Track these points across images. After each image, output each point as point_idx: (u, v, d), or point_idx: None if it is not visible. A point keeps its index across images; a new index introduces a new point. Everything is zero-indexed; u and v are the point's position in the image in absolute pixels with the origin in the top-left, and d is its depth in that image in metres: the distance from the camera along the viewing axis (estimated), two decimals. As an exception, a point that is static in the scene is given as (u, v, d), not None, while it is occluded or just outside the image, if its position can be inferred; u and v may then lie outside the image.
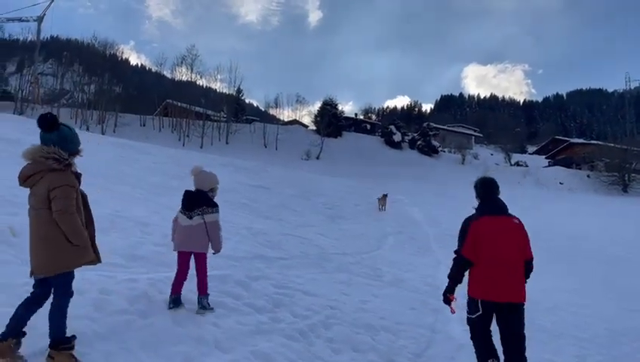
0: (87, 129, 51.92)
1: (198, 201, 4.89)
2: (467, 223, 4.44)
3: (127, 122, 59.43)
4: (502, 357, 4.13)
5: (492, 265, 4.03)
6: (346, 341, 5.06)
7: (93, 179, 11.14)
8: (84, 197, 3.54)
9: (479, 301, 4.11)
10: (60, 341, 3.28)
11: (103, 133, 48.71)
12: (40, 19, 70.61)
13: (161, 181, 13.80)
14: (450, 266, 4.40)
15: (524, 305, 4.12)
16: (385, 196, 21.87)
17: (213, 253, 5.02)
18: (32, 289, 3.38)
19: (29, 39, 75.70)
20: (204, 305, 4.77)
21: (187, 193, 5.01)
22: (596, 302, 10.18)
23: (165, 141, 48.92)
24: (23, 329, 3.25)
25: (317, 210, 17.06)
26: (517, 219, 4.26)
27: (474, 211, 4.46)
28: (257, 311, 5.19)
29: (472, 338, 4.32)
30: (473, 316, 4.20)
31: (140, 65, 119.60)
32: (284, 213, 14.58)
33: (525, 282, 4.20)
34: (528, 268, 4.23)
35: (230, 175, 20.47)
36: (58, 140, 3.30)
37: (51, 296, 3.37)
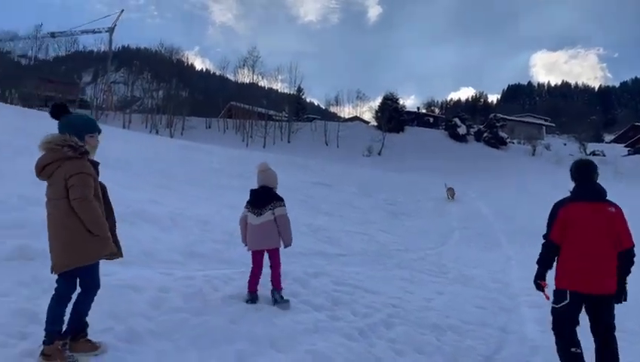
0: (157, 132, 54.41)
1: (267, 197, 4.97)
2: (556, 208, 4.22)
3: (193, 125, 61.55)
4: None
5: (580, 254, 3.87)
6: (410, 342, 4.76)
7: (158, 179, 11.52)
8: (102, 188, 3.40)
9: (567, 291, 3.93)
10: (80, 329, 3.23)
11: (171, 137, 50.82)
12: (111, 30, 74.79)
13: (223, 181, 14.03)
14: (539, 252, 4.27)
15: (613, 296, 3.91)
16: (451, 188, 21.63)
17: (285, 247, 5.04)
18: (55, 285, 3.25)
19: (102, 50, 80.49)
20: (276, 299, 4.84)
21: (254, 191, 5.07)
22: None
23: (229, 142, 50.22)
24: (65, 328, 3.18)
25: (378, 206, 16.73)
26: (614, 206, 3.98)
27: (569, 194, 4.21)
28: (315, 309, 5.01)
29: (553, 328, 4.12)
30: (558, 306, 4.01)
31: (204, 69, 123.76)
32: (345, 209, 14.38)
33: (627, 273, 3.96)
34: (627, 259, 3.93)
35: (290, 173, 20.54)
36: (67, 128, 3.21)
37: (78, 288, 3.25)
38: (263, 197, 4.97)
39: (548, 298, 4.22)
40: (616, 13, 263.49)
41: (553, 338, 5.76)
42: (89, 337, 3.29)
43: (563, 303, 3.95)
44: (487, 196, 23.63)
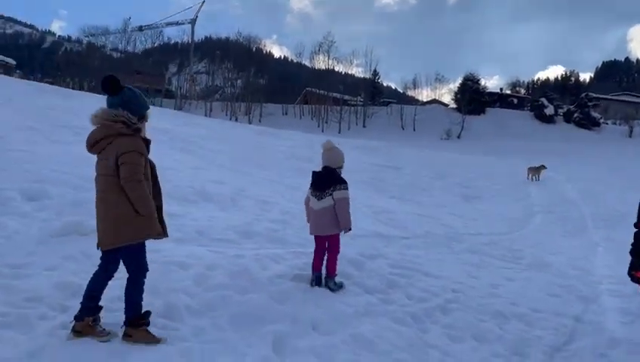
0: (236, 120, 56.13)
1: (329, 179, 4.75)
2: None
3: (270, 112, 62.87)
4: None
5: None
6: (468, 328, 4.43)
7: (226, 162, 11.78)
8: (152, 166, 3.32)
9: None
10: (136, 317, 3.14)
11: (249, 123, 52.22)
12: (193, 22, 77.87)
13: (291, 163, 14.10)
14: (632, 242, 4.04)
15: None
16: (541, 167, 20.36)
17: (344, 233, 4.84)
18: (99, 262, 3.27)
19: (186, 41, 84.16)
20: (330, 287, 4.67)
21: (316, 174, 4.90)
22: None
23: (305, 127, 50.67)
24: (99, 305, 3.18)
25: (451, 189, 16.04)
26: None
27: None
28: (367, 292, 4.80)
29: None
30: None
31: (282, 57, 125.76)
32: (413, 192, 13.93)
33: None
34: None
35: (360, 155, 20.29)
36: (121, 103, 3.12)
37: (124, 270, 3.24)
38: (325, 180, 4.77)
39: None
40: None
41: (636, 331, 5.17)
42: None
43: None
44: (575, 179, 21.88)
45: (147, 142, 3.26)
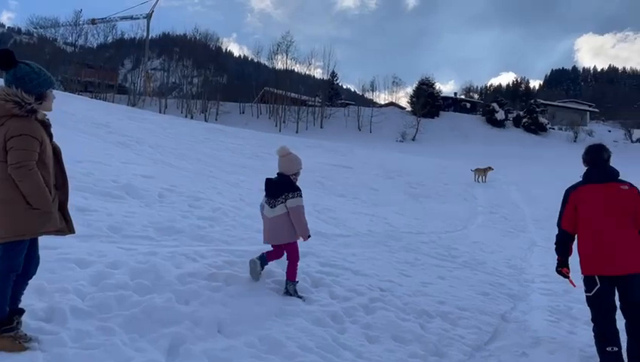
0: (192, 117, 54.91)
1: (282, 187, 4.62)
2: (567, 193, 4.17)
3: (227, 110, 62.03)
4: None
5: (596, 236, 3.84)
6: (388, 328, 4.27)
7: (164, 157, 11.31)
8: (56, 152, 2.93)
9: (595, 276, 3.85)
10: None
11: (205, 121, 51.19)
12: (149, 17, 75.73)
13: (236, 160, 13.75)
14: (555, 241, 4.28)
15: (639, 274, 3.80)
16: (488, 169, 20.86)
17: (303, 240, 4.75)
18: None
19: (142, 37, 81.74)
20: (289, 291, 4.52)
21: (269, 181, 4.76)
22: None
23: (262, 127, 50.23)
24: (15, 307, 2.81)
25: (400, 189, 16.08)
26: (628, 184, 3.94)
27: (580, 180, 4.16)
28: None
29: (592, 319, 3.99)
30: (591, 294, 3.92)
31: (242, 56, 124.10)
32: (362, 191, 13.84)
33: None
34: None
35: (314, 156, 20.12)
36: (14, 80, 2.74)
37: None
38: (278, 187, 4.64)
39: (574, 285, 4.21)
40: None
41: (560, 330, 5.17)
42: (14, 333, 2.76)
43: (595, 289, 3.86)
44: (520, 181, 22.53)
45: (47, 125, 2.88)
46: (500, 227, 12.72)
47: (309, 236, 4.72)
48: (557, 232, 4.23)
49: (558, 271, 4.25)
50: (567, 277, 4.22)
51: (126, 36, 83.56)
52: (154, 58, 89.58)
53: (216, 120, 56.22)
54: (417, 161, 25.60)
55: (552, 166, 33.01)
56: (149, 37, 77.93)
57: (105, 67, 67.21)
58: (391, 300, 4.98)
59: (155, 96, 65.63)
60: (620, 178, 3.98)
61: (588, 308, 6.14)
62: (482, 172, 21.29)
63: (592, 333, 3.98)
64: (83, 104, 19.89)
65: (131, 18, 77.94)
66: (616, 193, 3.88)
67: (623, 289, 3.84)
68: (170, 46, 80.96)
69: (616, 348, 3.76)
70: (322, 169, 15.88)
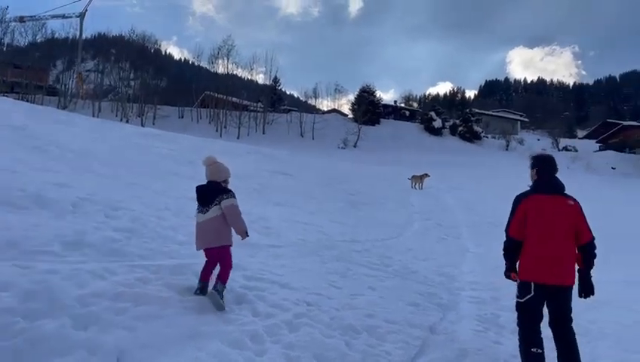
0: (127, 121, 52.78)
1: (213, 193, 4.63)
2: (517, 200, 4.17)
3: (166, 114, 60.24)
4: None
5: (541, 246, 3.90)
6: (311, 347, 4.04)
7: (86, 163, 10.57)
8: None
9: (531, 283, 3.91)
10: None
11: (142, 125, 49.28)
12: (82, 16, 72.26)
13: (167, 167, 13.13)
14: (503, 247, 4.25)
15: (572, 287, 3.96)
16: (424, 175, 21.23)
17: (241, 239, 4.74)
18: None
19: (74, 37, 77.84)
20: (217, 289, 4.44)
21: (200, 188, 4.73)
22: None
23: (203, 132, 49.06)
24: None
25: (337, 196, 15.99)
26: (573, 199, 4.04)
27: (528, 188, 4.21)
28: (204, 310, 4.24)
29: (518, 324, 4.06)
30: (522, 299, 3.98)
31: (183, 59, 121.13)
32: (298, 199, 13.61)
33: (591, 267, 4.02)
34: (589, 252, 4.00)
35: (253, 162, 19.72)
36: None
37: None
38: (209, 193, 4.63)
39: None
40: (593, 11, 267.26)
41: (487, 340, 5.15)
42: None
43: (528, 296, 3.92)
44: (456, 188, 23.16)
45: None
46: (435, 233, 12.88)
47: (247, 235, 4.69)
48: (505, 239, 4.22)
49: (507, 276, 4.26)
50: (515, 280, 4.20)
51: (57, 35, 79.28)
52: (88, 59, 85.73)
53: (153, 124, 54.30)
54: (357, 168, 25.76)
55: (486, 173, 34.32)
56: (83, 37, 74.47)
57: (33, 67, 63.40)
58: (317, 315, 4.77)
59: (89, 99, 62.61)
60: (565, 192, 4.07)
61: (514, 315, 6.26)
62: (419, 179, 21.70)
63: (518, 338, 4.02)
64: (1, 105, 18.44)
65: (63, 17, 73.96)
66: (564, 206, 3.96)
67: (555, 300, 3.93)
68: (106, 47, 77.72)
69: (540, 350, 3.84)
70: (260, 176, 15.52)
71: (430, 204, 17.98)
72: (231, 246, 4.67)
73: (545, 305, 3.99)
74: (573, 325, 4.00)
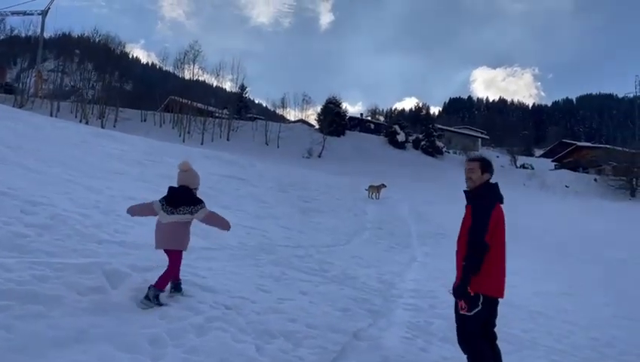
0: (87, 123, 51.22)
1: (185, 199, 4.80)
2: (488, 208, 3.75)
3: (128, 117, 58.93)
4: None
5: (501, 257, 3.77)
6: (216, 351, 3.76)
7: (19, 159, 10.02)
8: None
9: (482, 296, 3.68)
10: None
11: (102, 127, 47.89)
12: (44, 13, 70.31)
13: (111, 166, 12.61)
14: (470, 255, 3.68)
15: None
16: (381, 186, 21.26)
17: (228, 231, 5.13)
18: None
19: (37, 35, 75.43)
20: (148, 296, 4.36)
21: (172, 189, 4.89)
22: (586, 308, 8.85)
23: (165, 137, 48.10)
24: None
25: (290, 202, 15.76)
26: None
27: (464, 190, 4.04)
28: (101, 312, 3.90)
29: (464, 341, 3.78)
30: (472, 313, 3.69)
31: (150, 63, 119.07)
32: (248, 204, 13.31)
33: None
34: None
35: (208, 167, 19.28)
36: None
37: None
38: (180, 198, 4.79)
39: (464, 307, 3.76)
40: (553, 36, 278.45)
41: (412, 347, 4.98)
42: None
43: (476, 309, 3.69)
44: (412, 199, 23.29)
45: None
46: (385, 242, 12.79)
47: (229, 225, 5.02)
48: (481, 248, 3.62)
49: (464, 294, 3.66)
50: (467, 301, 3.70)
51: (17, 32, 76.66)
52: (52, 59, 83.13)
53: (114, 127, 52.88)
54: (315, 175, 25.60)
55: (445, 186, 34.74)
56: (46, 36, 72.35)
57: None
58: (233, 319, 4.49)
59: (47, 99, 60.56)
60: None
61: (446, 322, 6.14)
62: (375, 189, 21.73)
63: (468, 353, 3.76)
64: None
65: (24, 14, 71.98)
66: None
67: (494, 313, 3.88)
68: (70, 47, 75.59)
69: None
70: (211, 179, 15.11)
71: (385, 213, 17.96)
72: (183, 251, 4.83)
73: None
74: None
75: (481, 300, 3.67)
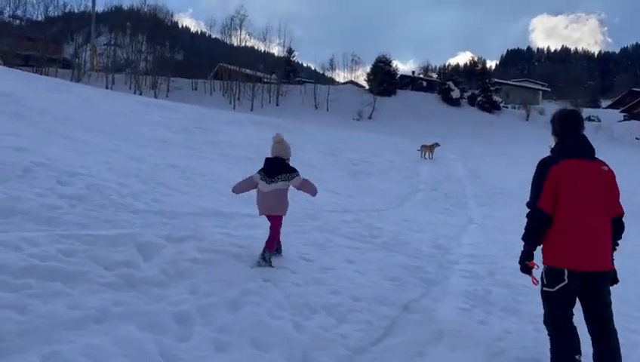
0: (141, 94, 52.47)
1: (281, 168, 5.25)
2: (544, 167, 3.28)
3: (179, 86, 59.89)
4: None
5: (578, 223, 3.11)
6: (249, 330, 3.42)
7: (66, 130, 10.06)
8: None
9: (565, 271, 3.09)
10: None
11: (155, 97, 48.92)
12: (95, -13, 71.60)
13: (157, 134, 12.55)
14: (525, 225, 3.32)
15: (610, 274, 3.19)
16: (435, 145, 20.46)
17: (313, 196, 5.58)
18: None
19: (88, 9, 77.21)
20: (264, 258, 4.90)
21: (268, 160, 5.33)
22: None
23: (216, 104, 48.54)
24: None
25: (339, 166, 15.29)
26: (606, 165, 3.28)
27: (549, 153, 3.42)
28: (127, 288, 3.63)
29: (546, 322, 3.26)
30: (553, 289, 3.14)
31: (200, 32, 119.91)
32: (297, 168, 12.92)
33: (617, 244, 3.31)
34: (619, 226, 3.28)
35: (255, 132, 19.07)
36: None
37: None
38: (277, 168, 5.25)
39: (536, 282, 3.32)
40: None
41: (470, 320, 4.47)
42: None
43: (560, 285, 3.11)
44: (469, 158, 22.19)
45: None
46: (439, 204, 12.16)
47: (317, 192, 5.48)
48: (530, 213, 3.31)
49: (523, 266, 3.33)
50: (531, 273, 3.32)
51: (70, 9, 78.79)
52: (106, 33, 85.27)
53: (167, 96, 53.89)
54: (366, 138, 24.90)
55: (503, 144, 33.14)
56: (99, 11, 74.02)
57: (46, 40, 63.14)
58: (270, 292, 4.14)
59: (102, 72, 62.40)
60: (595, 155, 3.31)
61: (507, 290, 5.56)
62: (428, 149, 20.85)
63: (549, 337, 3.25)
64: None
65: (75, -12, 73.56)
66: (599, 173, 3.21)
67: (593, 289, 3.14)
68: (122, 20, 77.01)
69: (580, 356, 3.08)
70: (256, 145, 14.85)
71: (439, 174, 17.15)
72: (284, 216, 5.30)
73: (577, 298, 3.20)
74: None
75: (566, 274, 3.07)
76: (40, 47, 60.34)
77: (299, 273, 4.82)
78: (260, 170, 5.32)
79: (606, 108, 69.21)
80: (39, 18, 70.06)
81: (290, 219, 7.36)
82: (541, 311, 3.60)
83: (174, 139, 12.15)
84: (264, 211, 5.26)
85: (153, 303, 3.49)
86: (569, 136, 3.34)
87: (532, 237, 3.29)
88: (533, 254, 3.32)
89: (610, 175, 3.25)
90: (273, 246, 5.12)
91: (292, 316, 3.78)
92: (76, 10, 78.81)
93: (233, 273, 4.38)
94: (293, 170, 5.31)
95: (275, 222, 5.20)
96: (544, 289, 3.22)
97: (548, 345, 4.05)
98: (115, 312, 3.21)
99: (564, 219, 3.14)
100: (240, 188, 5.46)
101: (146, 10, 71.27)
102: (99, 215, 5.08)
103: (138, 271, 3.94)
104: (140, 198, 6.08)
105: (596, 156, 3.29)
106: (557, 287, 3.12)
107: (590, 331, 3.21)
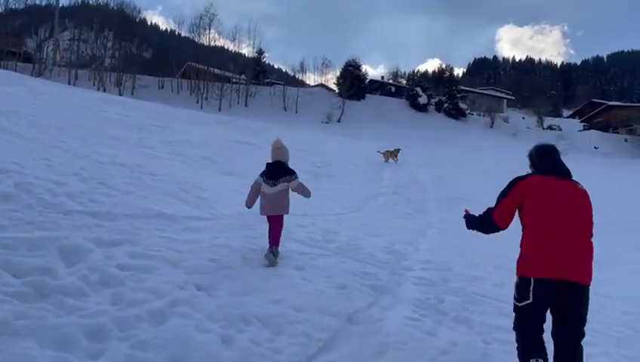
0: (104, 90, 51.00)
1: (282, 171, 5.71)
2: (514, 181, 3.32)
3: (145, 84, 58.64)
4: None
5: (552, 233, 3.05)
6: (172, 345, 3.10)
7: (9, 125, 9.46)
8: None
9: (532, 280, 3.01)
10: None
11: (120, 95, 47.61)
12: (58, -19, 69.36)
13: (110, 132, 11.99)
14: (478, 216, 3.54)
15: (589, 288, 3.08)
16: (396, 151, 20.48)
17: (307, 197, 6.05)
18: None
19: (53, 3, 74.74)
20: (273, 252, 5.31)
21: (270, 165, 5.80)
22: (621, 278, 8.02)
23: (183, 103, 47.79)
24: None
25: (302, 168, 14.80)
26: (581, 185, 3.30)
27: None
28: (33, 299, 3.26)
29: (515, 327, 3.18)
30: (521, 304, 3.08)
31: (169, 30, 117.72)
32: (255, 169, 12.52)
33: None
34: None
35: (218, 132, 18.65)
36: None
37: None
38: (278, 171, 5.71)
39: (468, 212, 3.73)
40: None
41: (418, 331, 4.26)
42: None
43: (528, 300, 3.03)
44: (432, 164, 22.27)
45: None
46: (400, 208, 12.04)
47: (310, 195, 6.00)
48: (484, 214, 3.44)
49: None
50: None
51: (34, 1, 75.98)
52: (71, 28, 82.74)
53: (132, 94, 52.61)
54: (331, 140, 24.74)
55: (468, 150, 33.54)
56: (64, 5, 71.67)
57: (6, 32, 60.79)
58: (203, 302, 3.83)
59: (65, 67, 60.49)
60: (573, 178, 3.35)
61: (459, 299, 5.40)
62: (391, 154, 20.86)
63: (516, 348, 3.14)
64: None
65: (39, -19, 71.06)
66: (576, 191, 3.23)
67: (564, 304, 3.01)
68: (88, 16, 74.84)
69: (541, 361, 2.97)
70: (217, 145, 14.46)
71: (402, 178, 17.11)
72: (285, 215, 5.72)
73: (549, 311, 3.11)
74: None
75: (533, 283, 2.99)
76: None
77: (238, 280, 4.52)
78: (261, 174, 5.76)
79: (567, 117, 71.32)
80: (0, 10, 67.51)
81: (240, 222, 7.09)
82: (492, 321, 3.46)
83: (128, 137, 11.65)
84: (269, 212, 5.62)
85: (64, 315, 3.14)
86: (546, 161, 3.35)
87: (472, 227, 3.62)
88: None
89: (585, 195, 3.25)
90: (279, 240, 5.54)
91: (222, 329, 3.48)
92: (40, 3, 76.12)
93: (164, 281, 4.04)
94: (293, 173, 5.76)
95: (278, 221, 5.60)
96: (514, 302, 3.16)
97: (495, 359, 3.91)
98: (15, 326, 2.84)
99: (537, 229, 3.11)
100: (250, 199, 5.77)
101: (113, 5, 69.57)
102: (22, 216, 4.65)
103: (53, 279, 3.57)
104: (75, 198, 5.66)
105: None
106: (525, 302, 3.04)
107: (556, 348, 3.05)
